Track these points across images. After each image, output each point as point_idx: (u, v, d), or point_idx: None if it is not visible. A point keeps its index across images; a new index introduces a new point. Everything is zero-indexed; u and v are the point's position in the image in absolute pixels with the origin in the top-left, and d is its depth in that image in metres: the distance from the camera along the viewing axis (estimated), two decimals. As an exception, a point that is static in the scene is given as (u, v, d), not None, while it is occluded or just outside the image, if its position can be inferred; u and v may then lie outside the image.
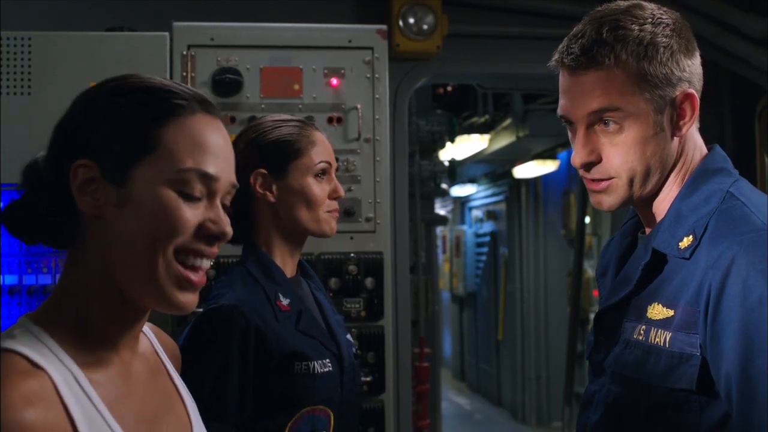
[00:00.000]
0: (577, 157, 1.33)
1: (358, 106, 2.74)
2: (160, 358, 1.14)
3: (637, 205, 1.39)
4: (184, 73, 2.67)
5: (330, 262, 2.67)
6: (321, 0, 3.29)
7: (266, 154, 1.74)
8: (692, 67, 1.32)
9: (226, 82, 2.67)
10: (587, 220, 6.47)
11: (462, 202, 10.99)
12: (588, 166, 1.33)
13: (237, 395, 1.58)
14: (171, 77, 2.65)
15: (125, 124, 0.99)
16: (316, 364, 1.65)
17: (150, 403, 1.05)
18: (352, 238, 2.72)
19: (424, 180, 5.51)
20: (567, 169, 7.23)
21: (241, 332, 1.59)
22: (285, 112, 2.57)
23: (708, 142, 1.40)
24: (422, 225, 5.43)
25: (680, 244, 1.26)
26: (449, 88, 6.92)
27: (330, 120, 2.73)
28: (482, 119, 6.70)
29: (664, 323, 1.25)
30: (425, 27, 3.16)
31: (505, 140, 6.77)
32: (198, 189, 1.00)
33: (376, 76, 2.76)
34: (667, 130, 1.30)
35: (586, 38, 1.29)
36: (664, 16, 1.31)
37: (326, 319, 1.79)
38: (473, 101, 6.67)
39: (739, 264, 1.16)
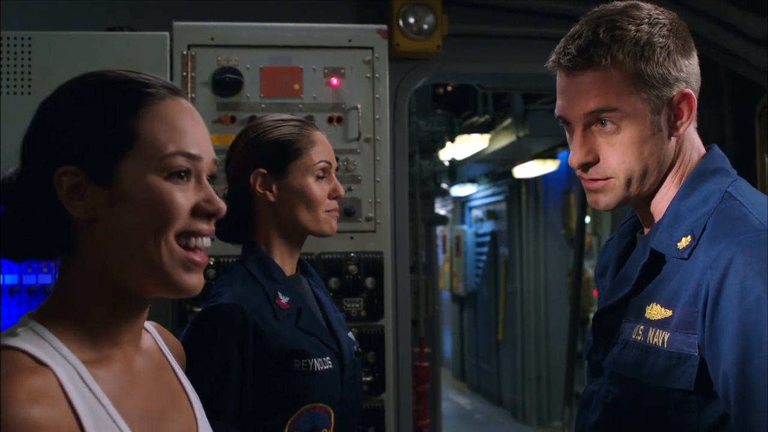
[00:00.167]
0: (575, 157, 1.33)
1: (358, 105, 2.74)
2: (165, 356, 1.14)
3: (635, 205, 1.39)
4: (185, 73, 2.67)
5: (330, 261, 2.67)
6: (321, 0, 3.29)
7: (266, 154, 1.75)
8: (689, 67, 1.32)
9: (227, 82, 2.67)
10: (587, 219, 6.47)
11: (462, 202, 10.99)
12: (585, 167, 1.33)
13: (236, 393, 1.59)
14: (171, 77, 2.65)
15: (100, 123, 0.99)
16: (316, 361, 1.65)
17: (155, 399, 1.05)
18: (352, 237, 2.72)
19: (425, 180, 5.51)
20: (567, 168, 7.22)
21: (240, 330, 1.60)
22: (285, 111, 2.57)
23: (708, 142, 1.40)
24: (422, 225, 5.43)
25: (678, 244, 1.27)
26: (449, 88, 6.92)
27: (330, 120, 2.74)
28: (482, 119, 6.70)
29: (662, 323, 1.25)
30: (425, 27, 3.16)
31: (505, 140, 6.77)
32: (183, 169, 1.00)
33: (377, 75, 2.76)
34: (664, 130, 1.30)
35: (582, 39, 1.29)
36: (660, 17, 1.31)
37: (327, 316, 1.79)
38: (473, 101, 6.67)
39: (737, 264, 1.16)
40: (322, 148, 1.78)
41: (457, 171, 6.30)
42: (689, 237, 1.26)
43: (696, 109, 1.32)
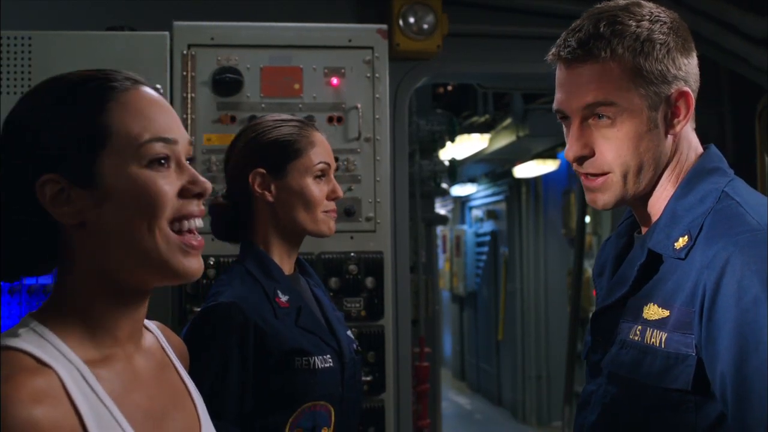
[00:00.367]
0: (571, 150, 1.33)
1: (359, 105, 2.74)
2: (167, 355, 1.14)
3: (632, 204, 1.39)
4: (185, 73, 2.67)
5: (330, 261, 2.67)
6: (321, 0, 3.29)
7: (266, 154, 1.75)
8: (688, 66, 1.32)
9: (227, 82, 2.67)
10: (587, 219, 6.47)
11: (462, 202, 10.99)
12: (581, 160, 1.33)
13: (237, 392, 1.59)
14: (171, 77, 2.66)
15: (70, 125, 0.98)
16: (316, 359, 1.65)
17: (157, 398, 1.05)
18: (352, 237, 2.72)
19: (425, 179, 5.51)
20: (567, 168, 7.22)
21: (240, 329, 1.60)
22: (285, 111, 2.57)
23: (708, 141, 1.40)
24: (422, 224, 5.43)
25: (676, 244, 1.27)
26: (449, 88, 6.92)
27: (330, 119, 2.74)
28: (482, 119, 6.70)
29: (659, 323, 1.25)
30: (425, 26, 3.16)
31: (505, 140, 6.77)
32: (163, 156, 1.00)
33: (377, 75, 2.76)
34: (661, 128, 1.31)
35: (583, 32, 1.30)
36: (662, 15, 1.32)
37: (326, 315, 1.79)
38: (473, 101, 6.67)
39: (734, 264, 1.16)
40: (321, 149, 1.78)
41: (457, 171, 6.30)
42: (686, 237, 1.26)
43: (693, 108, 1.32)
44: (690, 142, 1.36)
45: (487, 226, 9.51)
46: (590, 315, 1.45)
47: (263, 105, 2.71)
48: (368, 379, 2.64)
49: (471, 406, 9.14)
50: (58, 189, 0.97)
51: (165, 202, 0.98)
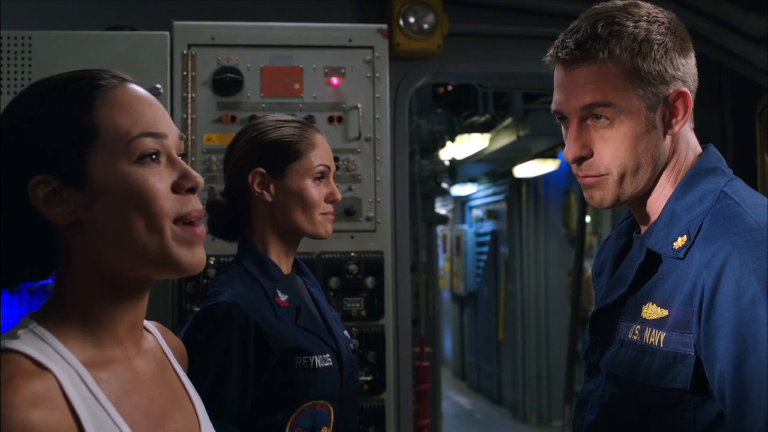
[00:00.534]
0: (569, 151, 1.33)
1: (359, 105, 2.74)
2: (167, 356, 1.14)
3: (631, 204, 1.39)
4: (185, 73, 2.67)
5: (330, 261, 2.67)
6: (321, -1, 3.29)
7: (266, 154, 1.75)
8: (686, 67, 1.32)
9: (227, 82, 2.67)
10: (588, 219, 6.47)
11: (462, 202, 10.99)
12: (579, 161, 1.33)
13: (237, 392, 1.59)
14: (171, 76, 2.66)
15: (59, 125, 0.97)
16: (316, 358, 1.65)
17: (157, 400, 1.05)
18: (352, 237, 2.72)
19: (425, 179, 5.51)
20: (567, 168, 7.22)
21: (241, 329, 1.60)
22: (285, 111, 2.57)
23: (708, 141, 1.40)
24: (423, 224, 5.43)
25: (674, 244, 1.27)
26: (449, 87, 6.92)
27: (330, 119, 2.74)
28: (482, 118, 6.70)
29: (658, 323, 1.25)
30: (426, 26, 3.16)
31: (505, 139, 6.77)
32: (153, 151, 0.99)
33: (377, 75, 2.76)
34: (659, 128, 1.31)
35: (581, 33, 1.30)
36: (659, 15, 1.32)
37: (323, 315, 1.79)
38: (473, 100, 6.67)
39: (732, 264, 1.17)
40: (322, 152, 1.78)
41: (457, 170, 6.31)
42: (685, 237, 1.26)
43: (692, 108, 1.32)
44: (689, 142, 1.36)
45: (488, 226, 9.51)
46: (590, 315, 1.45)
47: (263, 105, 2.71)
48: (369, 378, 2.64)
49: (471, 405, 9.14)
50: (50, 190, 0.97)
51: (156, 197, 0.98)
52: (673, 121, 1.32)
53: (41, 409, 0.87)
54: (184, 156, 1.05)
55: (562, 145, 1.37)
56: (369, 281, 2.69)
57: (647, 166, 1.31)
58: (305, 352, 1.65)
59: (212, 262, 2.56)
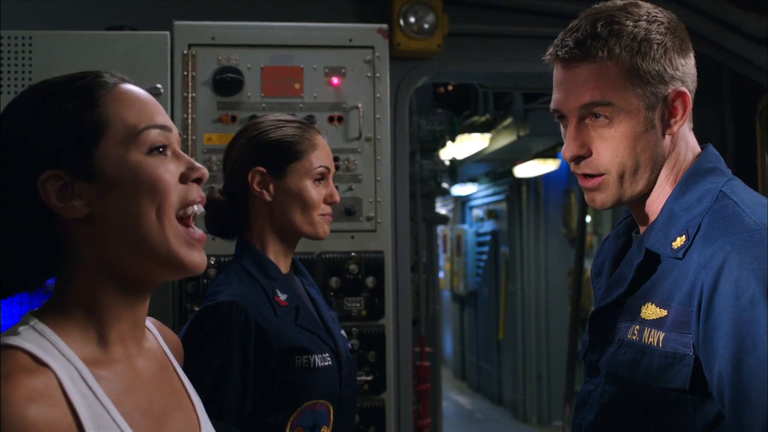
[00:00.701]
0: (568, 150, 1.33)
1: (359, 105, 2.74)
2: (167, 356, 1.14)
3: (630, 204, 1.39)
4: (185, 72, 2.67)
5: (331, 261, 2.67)
6: (322, -1, 3.29)
7: (267, 153, 1.75)
8: (686, 67, 1.32)
9: (227, 82, 2.67)
10: (588, 219, 6.47)
11: (463, 201, 10.99)
12: (578, 160, 1.33)
13: (237, 392, 1.59)
14: (172, 76, 2.66)
15: (67, 120, 0.99)
16: (316, 357, 1.66)
17: (158, 399, 1.05)
18: (353, 237, 2.72)
19: (425, 179, 5.51)
20: (568, 168, 7.18)
21: (241, 329, 1.60)
22: (286, 111, 2.57)
23: (708, 141, 1.40)
24: (423, 224, 5.43)
25: (673, 244, 1.27)
26: (450, 87, 6.92)
27: (331, 119, 2.74)
28: (483, 118, 6.70)
29: (657, 323, 1.25)
30: (426, 26, 3.16)
31: (505, 139, 6.77)
32: (161, 144, 1.02)
33: (377, 75, 2.76)
34: (658, 128, 1.31)
35: (580, 32, 1.30)
36: (659, 15, 1.32)
37: (321, 314, 1.80)
38: (474, 100, 6.67)
39: (731, 264, 1.17)
40: (322, 153, 1.78)
41: (457, 170, 6.31)
42: (684, 237, 1.26)
43: (691, 108, 1.32)
44: (688, 141, 1.37)
45: (488, 226, 9.51)
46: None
47: (264, 105, 2.71)
48: (369, 378, 2.63)
49: (471, 405, 9.14)
50: (62, 184, 0.98)
51: (167, 187, 1.00)
52: (672, 120, 1.32)
53: (39, 405, 0.87)
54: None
55: (562, 144, 1.37)
56: (369, 281, 2.68)
57: (646, 166, 1.32)
58: (305, 351, 1.65)
59: (212, 262, 2.56)
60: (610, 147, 1.30)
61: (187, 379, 1.16)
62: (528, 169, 7.50)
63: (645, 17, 1.30)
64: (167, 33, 2.67)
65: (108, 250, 0.99)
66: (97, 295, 1.00)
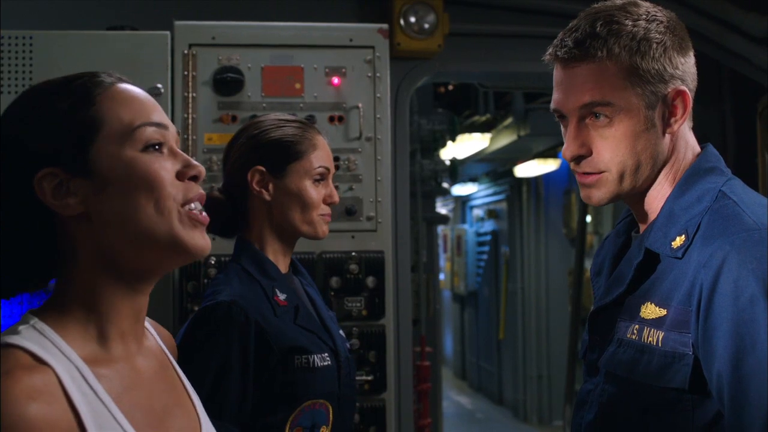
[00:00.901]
0: (568, 149, 1.34)
1: (360, 105, 2.74)
2: (166, 354, 1.15)
3: (629, 202, 1.39)
4: (186, 72, 2.67)
5: (331, 260, 2.67)
6: (322, -1, 3.29)
7: (267, 152, 1.75)
8: (685, 66, 1.32)
9: (228, 81, 2.67)
10: (588, 218, 6.47)
11: (463, 201, 10.99)
12: (578, 159, 1.33)
13: (237, 392, 1.59)
14: (172, 76, 2.66)
15: (63, 118, 0.99)
16: (316, 357, 1.66)
17: (158, 397, 1.05)
18: (353, 237, 2.72)
19: (425, 179, 5.52)
20: (568, 168, 7.18)
21: (241, 328, 1.60)
22: (286, 111, 2.57)
23: (709, 140, 1.40)
24: (423, 224, 5.44)
25: (673, 243, 1.27)
26: (450, 87, 6.91)
27: (331, 119, 2.74)
28: (483, 118, 6.70)
29: (656, 322, 1.25)
30: (426, 26, 3.15)
31: (506, 139, 6.77)
32: (157, 141, 1.02)
33: (377, 75, 2.76)
34: (658, 127, 1.31)
35: (579, 32, 1.30)
36: (658, 14, 1.32)
37: (320, 314, 1.80)
38: (474, 100, 6.66)
39: (730, 264, 1.17)
40: (322, 153, 1.78)
41: (458, 170, 6.32)
42: (683, 236, 1.26)
43: (690, 107, 1.32)
44: (687, 141, 1.37)
45: (488, 226, 9.51)
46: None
47: (264, 104, 2.71)
48: (369, 378, 2.64)
49: (472, 405, 9.14)
50: (57, 182, 0.98)
51: (165, 183, 1.00)
52: (672, 119, 1.32)
53: (39, 403, 0.87)
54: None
55: (563, 144, 1.37)
56: (370, 281, 2.68)
57: (646, 165, 1.32)
58: (305, 351, 1.65)
59: (213, 262, 2.56)
60: (610, 146, 1.30)
61: (186, 379, 1.16)
62: (528, 169, 7.50)
63: (644, 16, 1.30)
64: (168, 33, 2.67)
65: (107, 246, 0.99)
66: (97, 291, 1.00)
